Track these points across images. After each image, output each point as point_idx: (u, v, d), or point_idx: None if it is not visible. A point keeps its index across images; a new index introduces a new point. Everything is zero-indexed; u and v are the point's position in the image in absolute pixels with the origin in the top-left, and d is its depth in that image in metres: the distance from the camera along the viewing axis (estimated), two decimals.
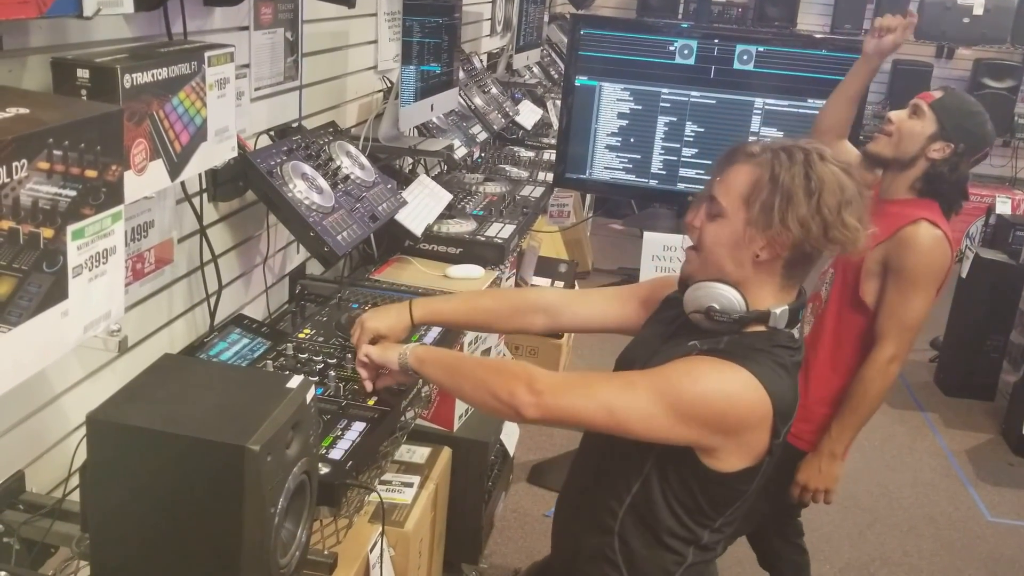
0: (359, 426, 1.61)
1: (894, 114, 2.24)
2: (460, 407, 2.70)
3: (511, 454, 3.02)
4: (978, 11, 6.38)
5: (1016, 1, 6.35)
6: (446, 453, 2.53)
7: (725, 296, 1.42)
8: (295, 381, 1.26)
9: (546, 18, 5.74)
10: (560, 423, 1.40)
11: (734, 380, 1.35)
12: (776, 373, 1.38)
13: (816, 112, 3.35)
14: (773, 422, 1.37)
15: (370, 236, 2.37)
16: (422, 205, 2.65)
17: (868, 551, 3.27)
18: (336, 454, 1.52)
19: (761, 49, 3.36)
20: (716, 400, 1.35)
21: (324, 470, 1.45)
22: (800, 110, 3.36)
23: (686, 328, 1.49)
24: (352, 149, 2.33)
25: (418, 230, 2.54)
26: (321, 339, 1.95)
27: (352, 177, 2.21)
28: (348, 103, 2.78)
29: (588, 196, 5.65)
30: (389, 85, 2.90)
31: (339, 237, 1.97)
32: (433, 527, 2.44)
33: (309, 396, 1.26)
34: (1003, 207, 6.18)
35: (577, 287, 4.62)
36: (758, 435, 1.38)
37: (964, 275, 4.55)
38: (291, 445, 1.21)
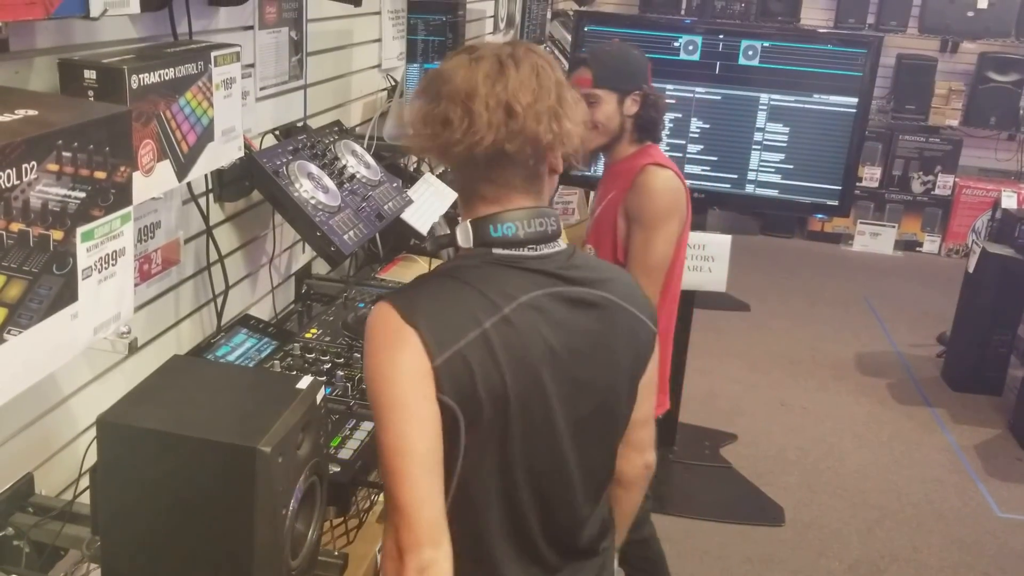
0: (368, 426, 1.60)
1: None
2: None
3: None
4: (982, 4, 6.36)
5: None
6: None
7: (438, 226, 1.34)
8: (305, 382, 1.26)
9: (549, 15, 5.73)
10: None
11: (374, 349, 1.20)
12: (424, 293, 1.23)
13: (822, 108, 3.35)
14: (425, 349, 1.17)
15: (376, 235, 2.37)
16: (427, 204, 2.64)
17: (877, 548, 3.26)
18: (345, 454, 1.51)
19: (767, 44, 3.35)
20: (377, 379, 1.19)
21: (334, 470, 1.45)
22: (807, 105, 3.35)
23: None
24: (357, 148, 2.32)
25: (424, 229, 2.53)
26: (328, 339, 1.94)
27: (358, 176, 2.21)
28: (353, 102, 2.78)
29: (592, 193, 5.64)
30: (393, 83, 2.89)
31: (345, 236, 1.97)
32: None
33: (319, 397, 1.26)
34: (1009, 201, 6.14)
35: None
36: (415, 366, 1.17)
37: (971, 270, 4.54)
38: (302, 446, 1.21)
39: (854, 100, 3.33)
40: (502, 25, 4.80)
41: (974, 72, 6.59)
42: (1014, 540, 3.37)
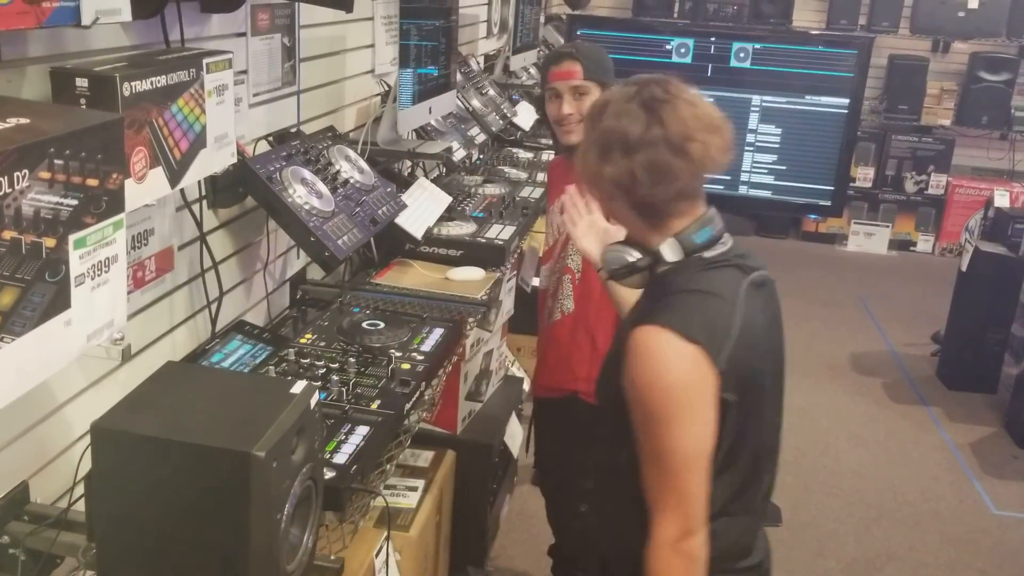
0: (363, 430, 1.61)
1: (568, 106, 2.32)
2: (463, 409, 2.70)
3: (515, 456, 3.01)
4: (973, 4, 6.39)
5: None
6: (450, 456, 2.53)
7: (613, 253, 1.50)
8: (299, 386, 1.26)
9: (542, 19, 5.73)
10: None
11: (663, 370, 1.35)
12: (688, 311, 1.38)
13: (814, 108, 3.37)
14: (710, 359, 1.35)
15: (370, 240, 2.37)
16: (422, 208, 2.65)
17: (874, 547, 3.26)
18: (340, 459, 1.52)
19: (758, 46, 3.36)
20: (669, 396, 1.35)
21: (329, 475, 1.45)
22: (798, 106, 3.36)
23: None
24: (351, 153, 2.33)
25: (418, 233, 2.54)
26: (323, 344, 1.95)
27: (351, 181, 2.21)
28: (346, 107, 2.78)
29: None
30: (387, 89, 2.90)
31: (340, 241, 1.97)
32: (438, 530, 2.44)
33: (313, 401, 1.26)
34: (1001, 200, 6.18)
35: None
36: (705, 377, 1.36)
37: (964, 268, 4.55)
38: (296, 451, 1.21)
39: (845, 101, 3.35)
40: (495, 30, 4.81)
41: (966, 72, 6.62)
42: (1009, 537, 3.38)
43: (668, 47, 3.43)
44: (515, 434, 2.96)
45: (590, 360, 2.36)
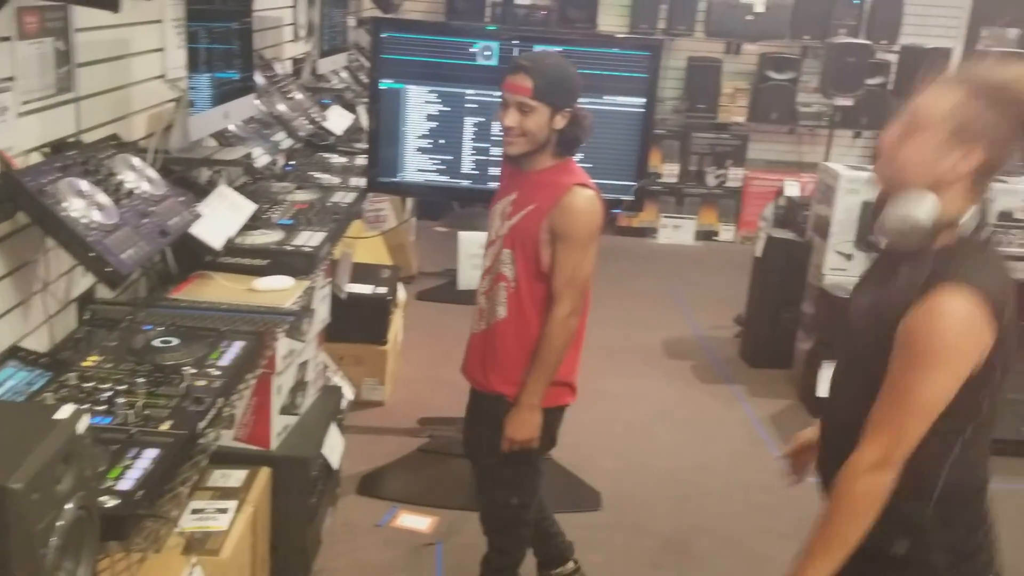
0: (152, 453, 1.53)
1: (509, 119, 2.33)
2: (277, 424, 2.63)
3: (335, 467, 2.97)
4: (759, 8, 6.89)
5: None
6: (264, 473, 2.46)
7: (924, 203, 1.54)
8: (65, 411, 1.19)
9: (354, 23, 5.68)
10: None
11: (954, 324, 1.49)
12: (983, 273, 1.52)
13: (613, 108, 3.52)
14: (993, 318, 1.50)
15: (165, 253, 2.27)
16: (221, 217, 2.55)
17: (687, 521, 3.45)
18: (125, 485, 1.44)
19: (559, 49, 3.47)
20: (954, 353, 1.51)
21: (112, 503, 1.37)
22: (599, 106, 3.50)
23: (885, 269, 1.69)
24: (137, 162, 2.21)
25: (217, 243, 2.45)
26: (110, 365, 1.84)
27: (137, 192, 2.10)
28: (135, 114, 2.64)
29: (409, 199, 5.65)
30: (181, 94, 2.78)
31: (124, 256, 1.87)
32: (254, 551, 2.36)
33: (82, 426, 1.19)
34: (792, 189, 6.70)
35: (402, 291, 4.61)
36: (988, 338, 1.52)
37: (759, 254, 4.90)
38: (62, 480, 1.14)
39: (642, 100, 3.51)
40: (303, 33, 4.72)
41: (756, 72, 7.13)
42: (806, 501, 3.63)
43: (472, 50, 3.47)
44: (335, 445, 2.91)
45: (521, 365, 2.42)
